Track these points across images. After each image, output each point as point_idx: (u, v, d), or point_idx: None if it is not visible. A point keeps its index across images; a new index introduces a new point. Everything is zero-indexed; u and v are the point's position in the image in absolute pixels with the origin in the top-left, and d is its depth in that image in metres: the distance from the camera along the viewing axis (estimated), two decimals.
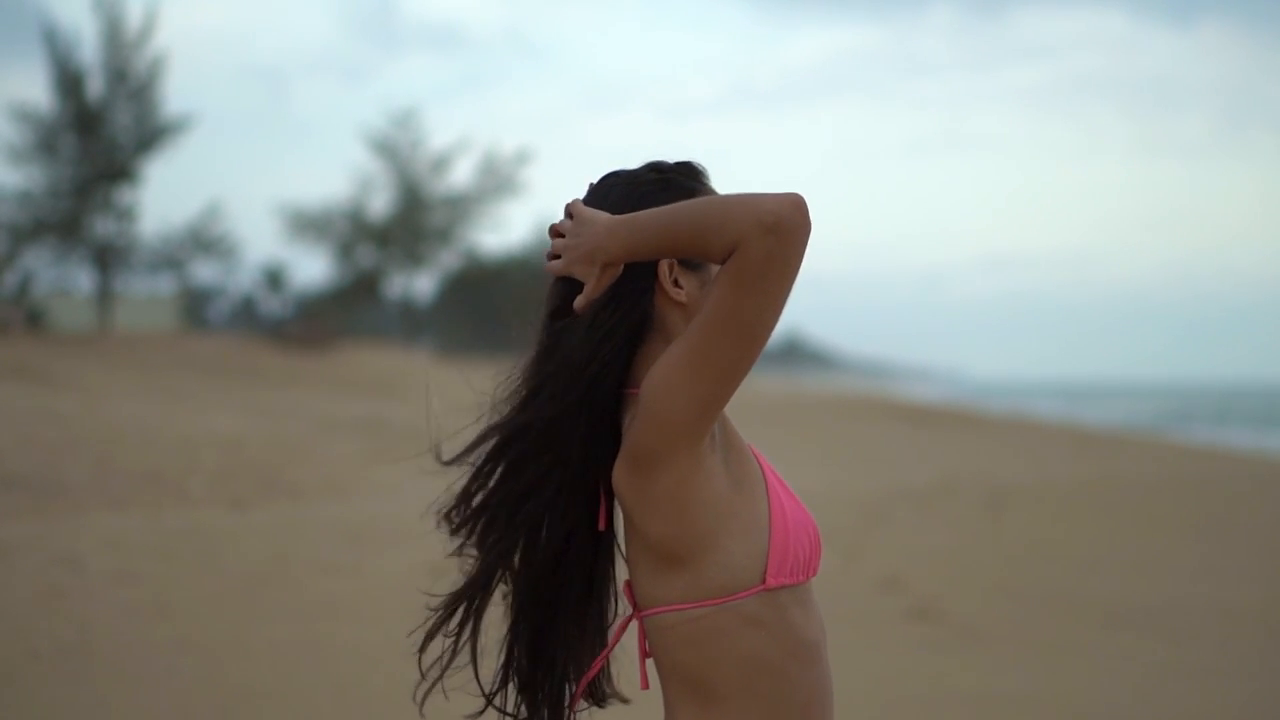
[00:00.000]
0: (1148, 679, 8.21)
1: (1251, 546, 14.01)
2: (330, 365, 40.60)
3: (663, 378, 1.99)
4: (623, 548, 2.17)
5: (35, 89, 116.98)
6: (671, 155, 2.21)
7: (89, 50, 50.33)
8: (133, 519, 13.56)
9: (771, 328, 1.98)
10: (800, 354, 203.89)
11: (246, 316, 70.75)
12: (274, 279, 68.81)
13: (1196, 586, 11.47)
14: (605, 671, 2.27)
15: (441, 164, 60.25)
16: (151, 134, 44.58)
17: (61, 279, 46.40)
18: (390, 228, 59.76)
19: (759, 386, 67.15)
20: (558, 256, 2.12)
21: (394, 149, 59.86)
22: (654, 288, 2.11)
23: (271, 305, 70.98)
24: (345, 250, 59.86)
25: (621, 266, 2.07)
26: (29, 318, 42.28)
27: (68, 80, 43.84)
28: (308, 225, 59.21)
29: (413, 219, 59.77)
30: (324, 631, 8.79)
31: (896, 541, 13.71)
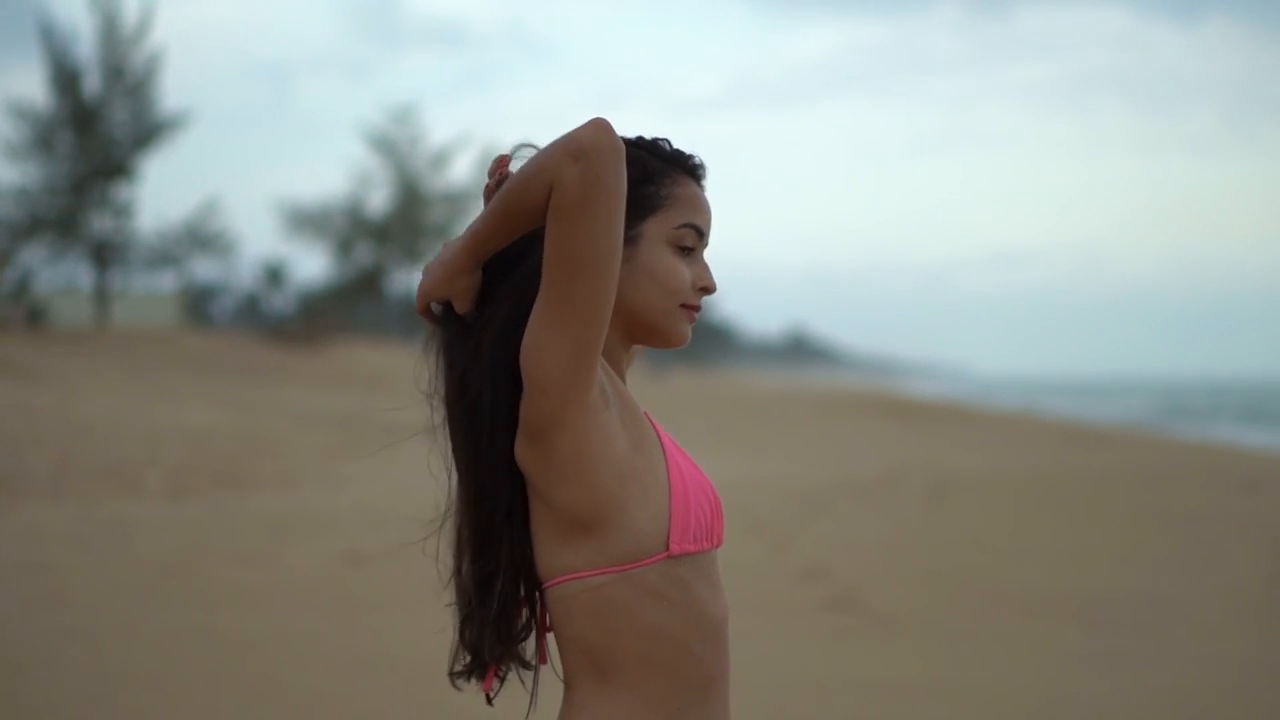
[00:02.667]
0: (1055, 666, 8.14)
1: (1190, 538, 13.88)
2: (322, 361, 40.63)
3: (534, 342, 1.98)
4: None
5: (32, 86, 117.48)
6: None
7: (85, 47, 50.16)
8: (64, 510, 13.56)
9: (613, 253, 1.95)
10: (805, 351, 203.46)
11: (249, 313, 70.80)
12: (274, 275, 68.84)
13: (1123, 577, 11.37)
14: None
15: (440, 160, 60.26)
16: (148, 130, 44.65)
17: (61, 276, 46.54)
18: (389, 224, 59.75)
19: (756, 384, 67.01)
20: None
21: (392, 145, 59.85)
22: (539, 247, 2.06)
23: (274, 302, 71.06)
24: (344, 247, 59.90)
25: (479, 270, 2.06)
26: (30, 315, 42.29)
27: (64, 77, 43.91)
28: (305, 222, 59.24)
29: (412, 215, 59.72)
30: (218, 620, 8.74)
31: (829, 532, 13.62)
